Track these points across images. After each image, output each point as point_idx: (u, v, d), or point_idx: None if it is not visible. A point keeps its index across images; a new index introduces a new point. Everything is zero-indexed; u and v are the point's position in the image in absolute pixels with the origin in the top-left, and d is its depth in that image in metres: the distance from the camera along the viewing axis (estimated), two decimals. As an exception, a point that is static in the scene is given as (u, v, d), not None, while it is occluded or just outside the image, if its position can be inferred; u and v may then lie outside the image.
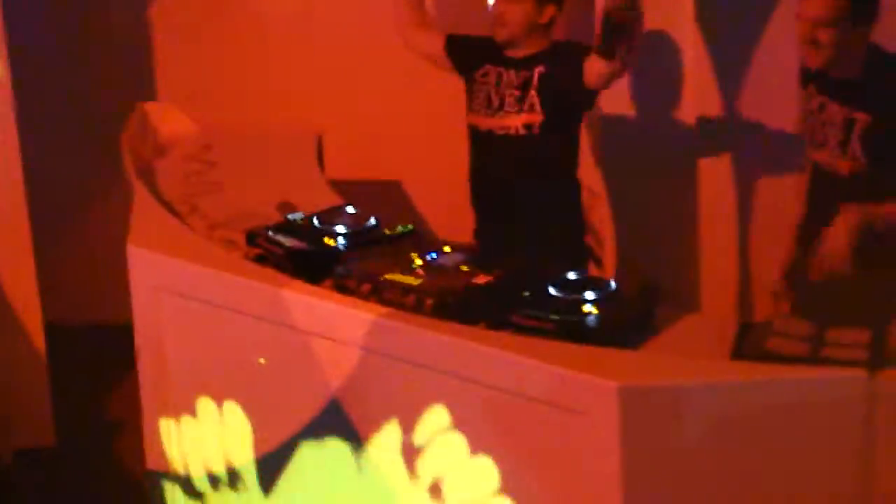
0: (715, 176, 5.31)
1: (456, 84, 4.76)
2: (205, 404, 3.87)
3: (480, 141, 4.63)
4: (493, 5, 4.57)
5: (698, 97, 5.29)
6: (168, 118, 5.52)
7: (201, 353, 3.87)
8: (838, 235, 3.82)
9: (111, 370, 5.42)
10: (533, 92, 4.49)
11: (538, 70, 4.50)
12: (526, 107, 4.49)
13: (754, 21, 5.11)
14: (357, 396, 3.47)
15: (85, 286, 6.07)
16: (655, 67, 5.31)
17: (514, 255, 3.89)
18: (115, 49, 6.28)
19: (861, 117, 3.99)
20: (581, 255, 4.59)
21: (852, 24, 3.95)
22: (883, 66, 4.05)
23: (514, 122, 4.52)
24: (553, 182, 4.59)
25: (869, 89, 4.02)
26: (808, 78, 4.17)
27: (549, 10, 4.52)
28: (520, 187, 4.54)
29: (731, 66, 5.21)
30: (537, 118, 4.49)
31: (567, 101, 4.51)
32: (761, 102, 5.17)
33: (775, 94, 5.08)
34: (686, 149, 5.35)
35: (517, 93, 4.51)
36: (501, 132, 4.54)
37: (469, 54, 4.69)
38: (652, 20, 4.73)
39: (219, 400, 3.83)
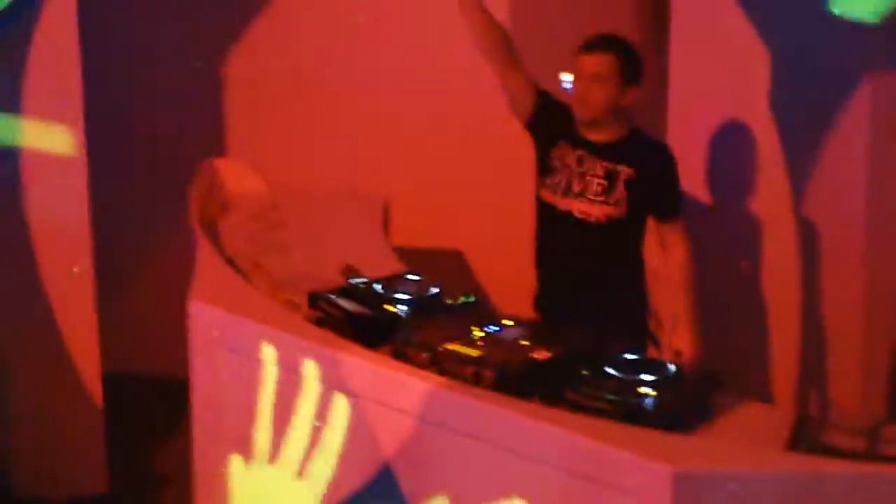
0: (781, 264, 5.29)
1: (521, 159, 4.75)
2: (257, 463, 3.87)
3: (555, 220, 4.58)
4: (578, 85, 4.52)
5: (766, 182, 5.29)
6: (237, 175, 5.56)
7: (256, 410, 3.88)
8: None
9: (165, 423, 5.45)
10: (621, 187, 4.48)
11: (627, 171, 4.48)
12: (611, 199, 4.48)
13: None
14: (409, 466, 3.46)
15: (144, 338, 6.11)
16: (725, 149, 5.32)
17: (576, 332, 3.88)
18: (187, 104, 6.35)
19: None
20: (642, 337, 4.57)
21: None
22: None
23: (597, 211, 4.49)
24: (623, 264, 4.58)
25: None
26: None
27: (632, 93, 4.50)
28: (591, 267, 4.52)
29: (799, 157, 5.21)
30: (621, 211, 4.49)
31: (652, 202, 4.54)
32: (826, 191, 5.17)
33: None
34: (752, 233, 5.33)
35: (603, 183, 4.49)
36: (581, 216, 4.53)
37: (551, 122, 4.62)
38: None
39: (272, 459, 3.83)
